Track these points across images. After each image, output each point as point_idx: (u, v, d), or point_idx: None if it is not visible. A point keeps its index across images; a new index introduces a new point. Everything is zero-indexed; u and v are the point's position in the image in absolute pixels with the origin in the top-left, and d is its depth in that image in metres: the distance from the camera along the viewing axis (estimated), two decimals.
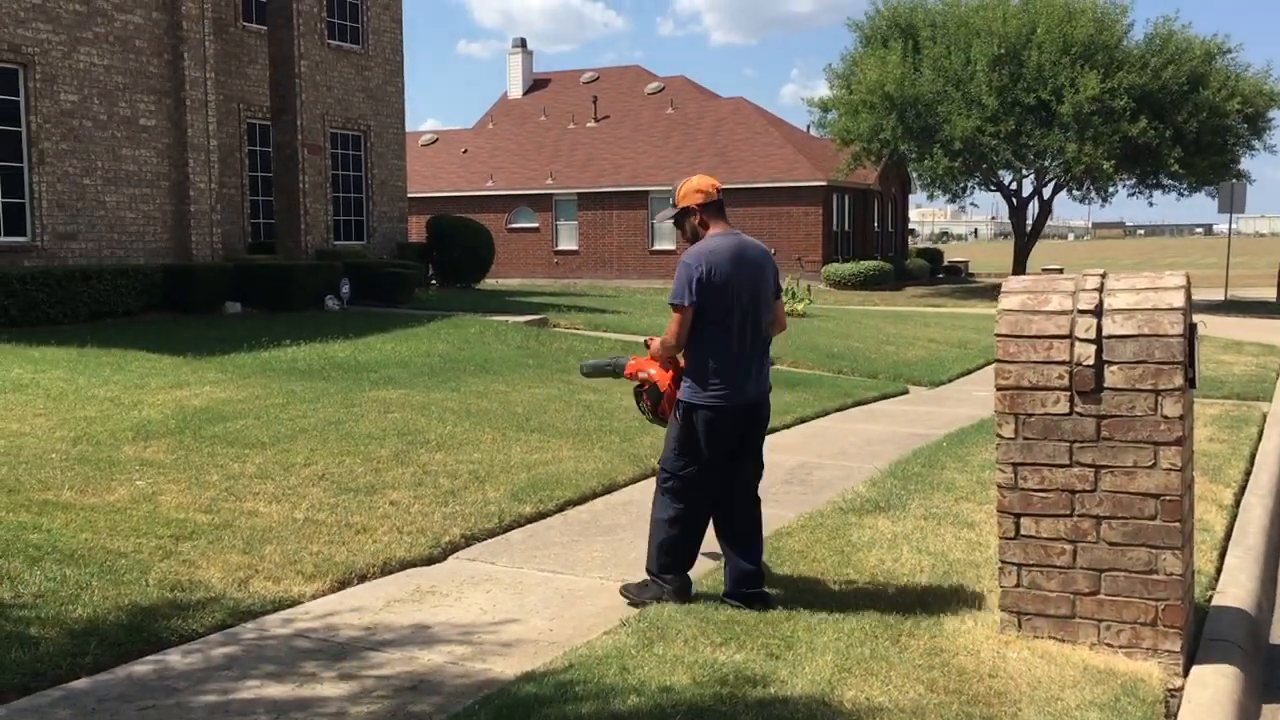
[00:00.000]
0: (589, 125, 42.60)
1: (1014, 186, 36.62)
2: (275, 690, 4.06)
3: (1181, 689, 4.11)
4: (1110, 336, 4.26)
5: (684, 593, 4.98)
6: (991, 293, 30.55)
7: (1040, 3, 32.03)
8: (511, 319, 16.64)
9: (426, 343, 13.64)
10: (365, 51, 22.58)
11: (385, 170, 23.17)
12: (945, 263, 45.82)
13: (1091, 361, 4.28)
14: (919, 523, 6.34)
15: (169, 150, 17.13)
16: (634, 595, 5.03)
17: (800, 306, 22.17)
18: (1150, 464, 4.23)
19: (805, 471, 8.09)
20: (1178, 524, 4.23)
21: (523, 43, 47.12)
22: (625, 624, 4.67)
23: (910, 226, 53.97)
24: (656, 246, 38.21)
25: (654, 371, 5.20)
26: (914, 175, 38.07)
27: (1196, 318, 4.44)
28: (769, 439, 9.44)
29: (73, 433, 7.87)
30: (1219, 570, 5.55)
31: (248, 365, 11.34)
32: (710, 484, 4.97)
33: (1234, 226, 36.75)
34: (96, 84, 16.10)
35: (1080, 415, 4.32)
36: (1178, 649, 4.25)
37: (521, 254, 40.23)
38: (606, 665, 4.16)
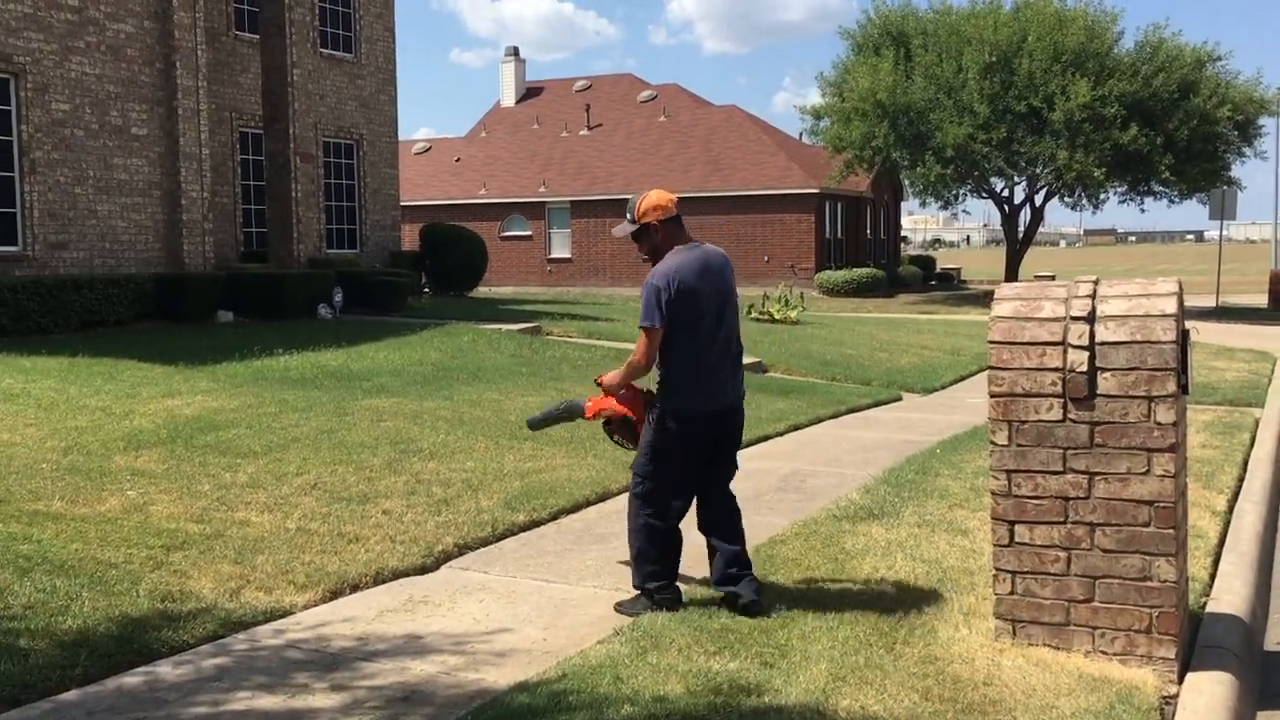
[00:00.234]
0: (582, 133, 42.63)
1: (1006, 194, 36.75)
2: (266, 701, 4.04)
3: (1176, 696, 4.11)
4: (1103, 343, 4.26)
5: (674, 603, 4.98)
6: (984, 299, 30.60)
7: (1031, 11, 32.21)
8: (504, 327, 16.61)
9: (419, 351, 13.61)
10: (358, 60, 22.56)
11: (378, 179, 23.15)
12: (938, 270, 45.91)
13: (1084, 368, 4.28)
14: (913, 530, 6.33)
15: (161, 159, 17.09)
16: (627, 610, 5.03)
17: (793, 314, 22.12)
18: (1144, 470, 4.23)
19: (799, 479, 8.08)
20: (1172, 530, 4.22)
21: (515, 51, 47.20)
22: (619, 633, 4.65)
23: (903, 234, 54.07)
24: None
25: (618, 408, 5.23)
26: (906, 182, 38.19)
27: (1189, 324, 4.44)
28: (762, 447, 9.54)
29: (64, 443, 7.84)
30: (1213, 577, 5.55)
31: (240, 374, 11.31)
32: (684, 489, 5.01)
33: (1225, 233, 36.89)
34: (88, 93, 16.07)
35: (1074, 422, 4.32)
36: (1172, 656, 4.25)
37: (515, 262, 40.23)
38: (600, 675, 4.14)
